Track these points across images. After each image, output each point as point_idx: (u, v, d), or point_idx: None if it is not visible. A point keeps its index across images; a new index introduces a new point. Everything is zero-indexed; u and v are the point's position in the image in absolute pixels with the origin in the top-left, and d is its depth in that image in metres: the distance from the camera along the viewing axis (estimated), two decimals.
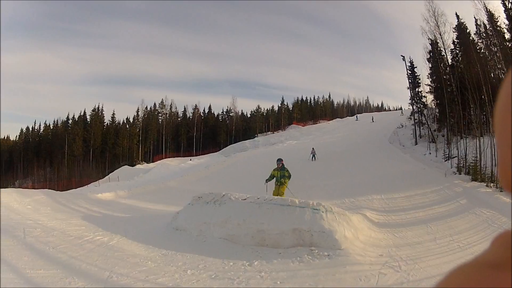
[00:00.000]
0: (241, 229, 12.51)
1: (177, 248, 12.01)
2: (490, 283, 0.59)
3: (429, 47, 42.12)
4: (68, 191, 36.08)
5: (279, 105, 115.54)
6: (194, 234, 13.29)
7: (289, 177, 18.13)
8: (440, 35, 40.28)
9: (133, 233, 13.60)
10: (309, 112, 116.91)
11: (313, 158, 38.31)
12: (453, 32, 39.99)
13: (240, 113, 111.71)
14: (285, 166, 18.31)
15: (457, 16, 40.59)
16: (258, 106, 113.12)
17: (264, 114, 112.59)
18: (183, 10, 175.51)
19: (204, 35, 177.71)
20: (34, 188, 32.64)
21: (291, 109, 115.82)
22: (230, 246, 12.17)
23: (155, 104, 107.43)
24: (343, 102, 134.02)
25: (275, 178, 18.37)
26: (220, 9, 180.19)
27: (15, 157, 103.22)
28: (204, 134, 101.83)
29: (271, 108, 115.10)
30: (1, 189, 21.12)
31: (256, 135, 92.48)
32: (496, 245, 0.65)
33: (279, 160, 18.45)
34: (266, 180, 18.73)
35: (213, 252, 11.61)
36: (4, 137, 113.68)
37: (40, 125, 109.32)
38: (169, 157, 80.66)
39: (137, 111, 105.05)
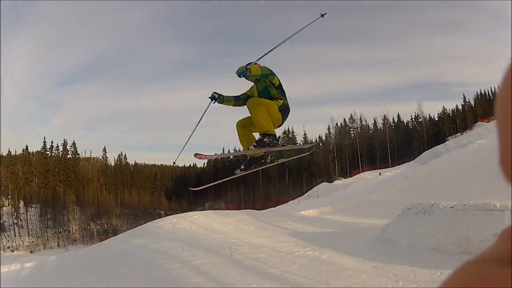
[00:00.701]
0: (449, 238, 12.46)
1: (387, 260, 12.16)
2: (494, 279, 0.59)
3: None
4: (267, 209, 37.53)
5: (462, 103, 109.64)
6: (404, 246, 13.41)
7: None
8: None
9: (342, 247, 13.92)
10: (490, 106, 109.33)
11: None
12: None
13: (428, 117, 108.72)
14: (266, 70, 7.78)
15: None
16: (443, 107, 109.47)
17: (450, 115, 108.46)
18: (348, 25, 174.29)
19: (375, 44, 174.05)
20: (228, 209, 34.43)
21: (473, 105, 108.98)
22: (438, 256, 12.15)
23: (344, 119, 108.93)
24: None
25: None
26: (387, 17, 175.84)
27: (204, 181, 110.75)
28: (396, 143, 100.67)
29: (455, 107, 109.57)
30: (198, 211, 22.76)
31: (446, 138, 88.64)
32: (501, 241, 0.66)
33: (243, 73, 7.35)
34: (212, 98, 8.10)
35: (421, 262, 11.66)
36: (190, 165, 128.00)
37: (229, 151, 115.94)
38: (365, 171, 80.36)
39: (328, 129, 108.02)
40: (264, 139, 7.43)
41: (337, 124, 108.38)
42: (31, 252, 79.93)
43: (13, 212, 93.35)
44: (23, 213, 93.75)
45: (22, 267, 20.81)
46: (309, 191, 71.17)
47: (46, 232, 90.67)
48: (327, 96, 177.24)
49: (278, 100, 7.82)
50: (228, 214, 23.05)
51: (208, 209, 41.03)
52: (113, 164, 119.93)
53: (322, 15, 7.91)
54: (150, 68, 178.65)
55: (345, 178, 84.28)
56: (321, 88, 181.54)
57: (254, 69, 7.40)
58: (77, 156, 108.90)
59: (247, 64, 7.48)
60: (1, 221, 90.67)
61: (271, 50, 7.87)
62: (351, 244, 14.55)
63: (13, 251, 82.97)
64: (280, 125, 7.97)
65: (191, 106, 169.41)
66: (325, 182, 77.38)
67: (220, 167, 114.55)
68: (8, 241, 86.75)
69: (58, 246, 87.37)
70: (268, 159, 8.16)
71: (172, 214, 27.00)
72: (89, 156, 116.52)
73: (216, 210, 26.77)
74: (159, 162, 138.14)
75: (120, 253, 17.47)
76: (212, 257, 13.92)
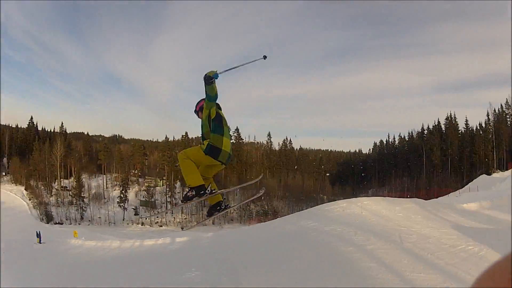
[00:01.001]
0: None
1: None
2: None
3: None
4: (431, 200, 37.73)
5: None
6: None
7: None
8: None
9: (497, 245, 14.51)
10: None
11: None
12: None
13: None
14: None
15: None
16: None
17: None
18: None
19: None
20: (390, 197, 35.28)
21: None
22: None
23: (501, 105, 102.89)
24: None
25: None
26: None
27: (368, 168, 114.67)
28: None
29: None
30: (367, 197, 23.81)
31: None
32: None
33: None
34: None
35: None
36: (356, 151, 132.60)
37: (394, 138, 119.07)
38: None
39: (487, 115, 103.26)
40: (188, 194, 7.88)
41: (495, 110, 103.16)
42: (182, 228, 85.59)
43: (167, 191, 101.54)
44: (179, 193, 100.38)
45: (172, 241, 22.59)
46: (469, 183, 70.82)
47: (202, 210, 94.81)
48: (485, 79, 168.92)
49: (204, 142, 7.87)
50: (396, 201, 23.64)
51: (371, 196, 41.78)
52: (277, 148, 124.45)
53: (264, 57, 7.72)
54: (310, 55, 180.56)
55: (502, 170, 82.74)
56: (478, 70, 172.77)
57: (215, 86, 7.20)
58: (240, 141, 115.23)
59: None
60: (153, 199, 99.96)
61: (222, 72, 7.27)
62: (504, 243, 14.69)
63: (161, 226, 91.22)
64: (223, 163, 8.01)
65: (354, 90, 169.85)
66: (484, 175, 76.55)
67: (385, 153, 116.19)
68: (158, 217, 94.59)
69: (213, 224, 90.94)
70: (223, 206, 8.35)
71: (334, 200, 27.74)
72: (252, 141, 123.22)
73: (384, 197, 27.60)
74: (324, 147, 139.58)
75: (289, 234, 18.79)
76: (383, 243, 14.76)
